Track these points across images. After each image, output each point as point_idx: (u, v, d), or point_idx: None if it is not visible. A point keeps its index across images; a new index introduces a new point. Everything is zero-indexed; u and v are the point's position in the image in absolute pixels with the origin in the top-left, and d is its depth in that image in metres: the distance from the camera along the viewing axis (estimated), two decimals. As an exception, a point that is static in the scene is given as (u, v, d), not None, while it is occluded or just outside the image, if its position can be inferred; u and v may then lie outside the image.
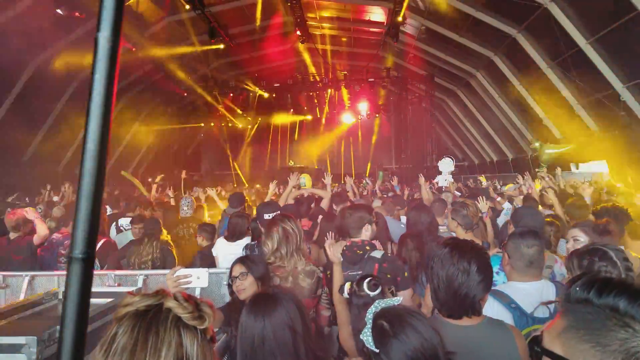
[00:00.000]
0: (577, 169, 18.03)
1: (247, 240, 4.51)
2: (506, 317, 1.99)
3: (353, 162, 29.03)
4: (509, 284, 2.41)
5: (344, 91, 24.63)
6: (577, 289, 0.83)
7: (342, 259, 2.77)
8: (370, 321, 1.48)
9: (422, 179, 7.25)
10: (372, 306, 1.54)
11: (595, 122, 15.18)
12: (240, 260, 2.59)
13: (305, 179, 10.34)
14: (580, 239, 2.39)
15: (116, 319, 1.04)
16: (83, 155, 0.59)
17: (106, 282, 4.19)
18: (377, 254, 2.86)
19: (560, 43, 13.68)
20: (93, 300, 2.82)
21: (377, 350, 1.41)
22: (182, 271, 2.33)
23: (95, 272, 4.03)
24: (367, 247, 2.93)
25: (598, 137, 14.87)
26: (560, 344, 0.80)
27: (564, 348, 0.79)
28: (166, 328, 1.00)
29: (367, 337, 1.45)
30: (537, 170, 9.32)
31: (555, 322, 0.84)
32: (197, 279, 2.33)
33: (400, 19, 15.96)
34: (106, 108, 0.59)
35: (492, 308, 2.05)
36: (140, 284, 4.19)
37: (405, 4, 14.98)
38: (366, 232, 3.04)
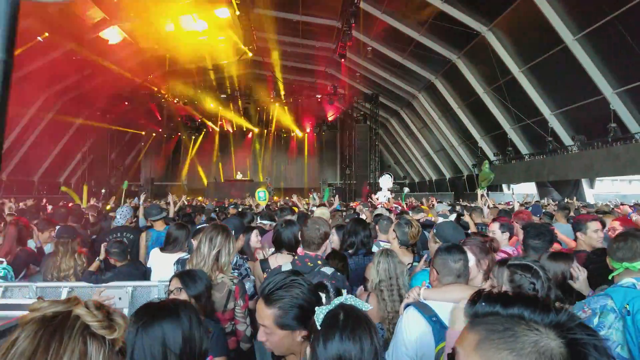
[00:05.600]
0: (509, 189, 19.04)
1: (182, 254, 4.31)
2: (426, 330, 2.01)
3: (306, 176, 29.32)
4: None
5: (290, 106, 24.85)
6: (483, 304, 0.87)
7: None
8: (334, 304, 1.45)
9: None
10: (343, 297, 1.51)
11: (526, 146, 16.15)
12: (178, 275, 2.50)
13: (265, 194, 10.53)
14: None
15: (21, 323, 0.98)
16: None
17: (26, 294, 3.90)
18: (328, 270, 2.77)
19: (496, 70, 14.49)
20: (3, 313, 2.63)
21: (319, 329, 1.39)
22: (105, 294, 2.29)
23: (15, 283, 3.73)
24: (319, 262, 2.86)
25: (527, 160, 15.81)
26: (478, 357, 0.82)
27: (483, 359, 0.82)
28: (71, 335, 0.93)
29: (320, 313, 1.44)
30: (477, 191, 9.75)
31: (467, 337, 0.87)
32: (119, 299, 2.32)
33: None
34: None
35: (414, 320, 2.08)
36: (63, 297, 3.92)
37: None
38: (322, 249, 2.99)
